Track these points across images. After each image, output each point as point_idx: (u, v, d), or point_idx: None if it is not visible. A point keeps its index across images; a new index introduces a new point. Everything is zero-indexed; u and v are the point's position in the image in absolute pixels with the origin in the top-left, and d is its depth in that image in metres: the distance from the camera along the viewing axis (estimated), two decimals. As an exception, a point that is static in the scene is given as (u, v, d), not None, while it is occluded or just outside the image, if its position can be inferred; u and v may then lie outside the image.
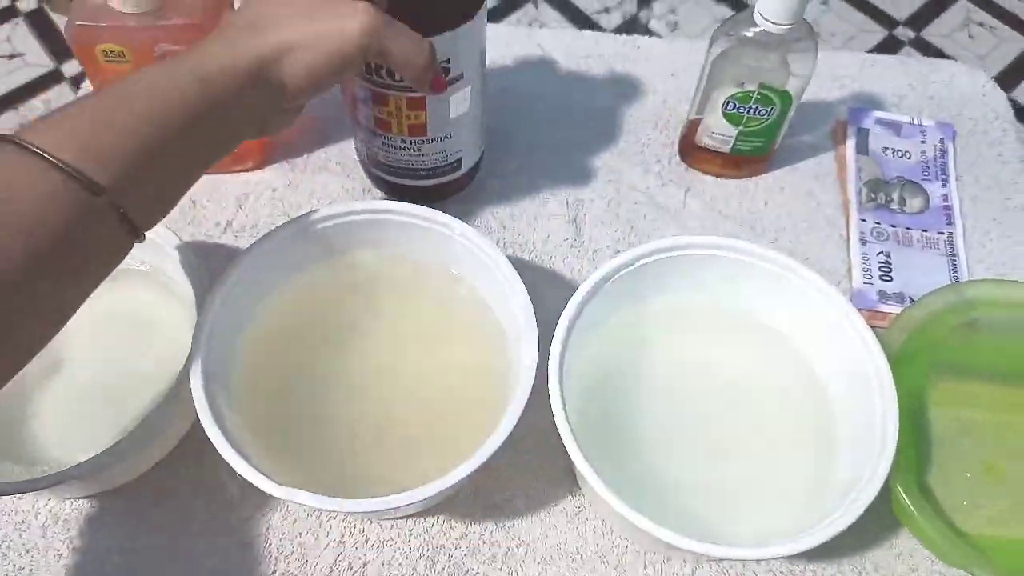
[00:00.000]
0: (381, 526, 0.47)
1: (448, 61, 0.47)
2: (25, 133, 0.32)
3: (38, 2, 1.51)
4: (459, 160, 0.55)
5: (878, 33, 1.47)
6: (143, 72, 0.35)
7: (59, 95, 1.39)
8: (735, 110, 0.55)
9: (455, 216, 0.46)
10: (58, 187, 0.31)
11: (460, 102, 0.50)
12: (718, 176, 0.62)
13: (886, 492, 0.42)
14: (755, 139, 0.58)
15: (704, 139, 0.59)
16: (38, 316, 0.33)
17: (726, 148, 0.59)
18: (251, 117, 0.39)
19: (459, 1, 0.46)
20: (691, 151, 0.61)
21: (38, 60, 1.43)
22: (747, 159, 0.60)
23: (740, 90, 0.54)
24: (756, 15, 0.50)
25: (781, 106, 0.55)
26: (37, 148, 0.31)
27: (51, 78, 1.41)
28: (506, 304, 0.45)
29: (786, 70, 0.53)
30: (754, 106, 0.55)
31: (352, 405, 0.45)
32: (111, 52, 0.49)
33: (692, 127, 0.59)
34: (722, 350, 0.49)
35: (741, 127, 0.56)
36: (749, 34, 0.51)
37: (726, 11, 1.52)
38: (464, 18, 0.46)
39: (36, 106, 1.38)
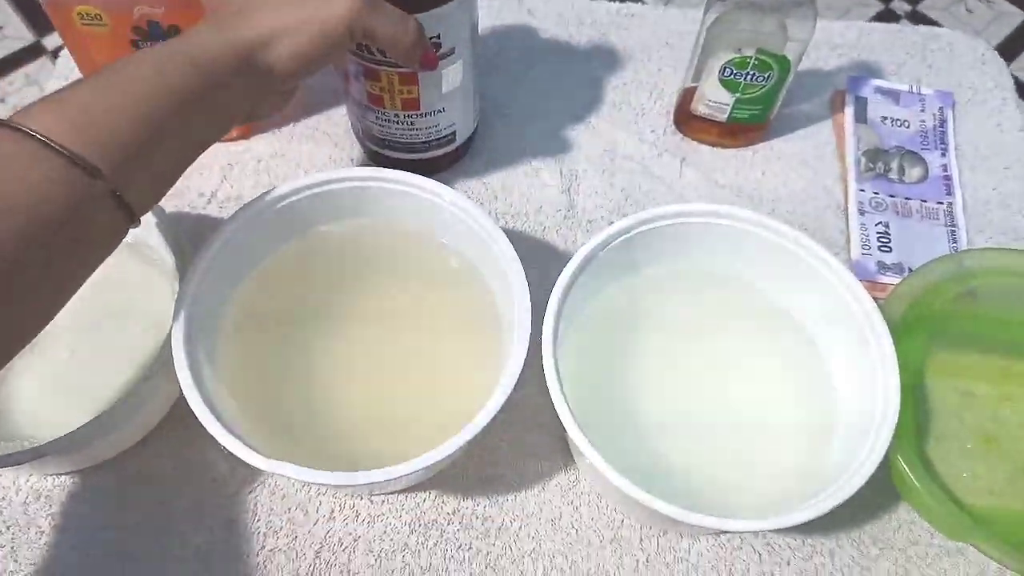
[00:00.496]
0: (372, 502, 0.46)
1: (439, 36, 0.46)
2: (22, 116, 0.31)
3: (18, -26, 1.48)
4: (453, 133, 0.54)
5: (874, 6, 1.45)
6: (136, 56, 0.35)
7: (40, 68, 1.36)
8: (732, 76, 0.54)
9: (447, 186, 0.45)
10: (57, 171, 0.31)
11: (452, 76, 0.49)
12: (714, 145, 0.60)
13: (884, 464, 0.41)
14: (752, 107, 0.56)
15: (700, 107, 0.58)
16: (31, 301, 0.32)
17: (722, 116, 0.57)
18: (243, 101, 0.39)
19: None
20: (687, 120, 0.60)
21: (18, 33, 1.40)
22: (744, 128, 0.59)
23: (737, 56, 0.52)
24: None
25: (779, 72, 0.53)
26: (36, 132, 0.31)
27: (32, 51, 1.38)
28: (498, 274, 0.44)
29: (784, 35, 0.51)
30: (751, 72, 0.53)
31: (341, 378, 0.44)
32: (88, 15, 0.48)
33: (687, 95, 0.58)
34: (720, 321, 0.48)
35: (738, 94, 0.55)
36: None
37: (720, -16, 1.50)
38: None
39: (16, 79, 1.35)
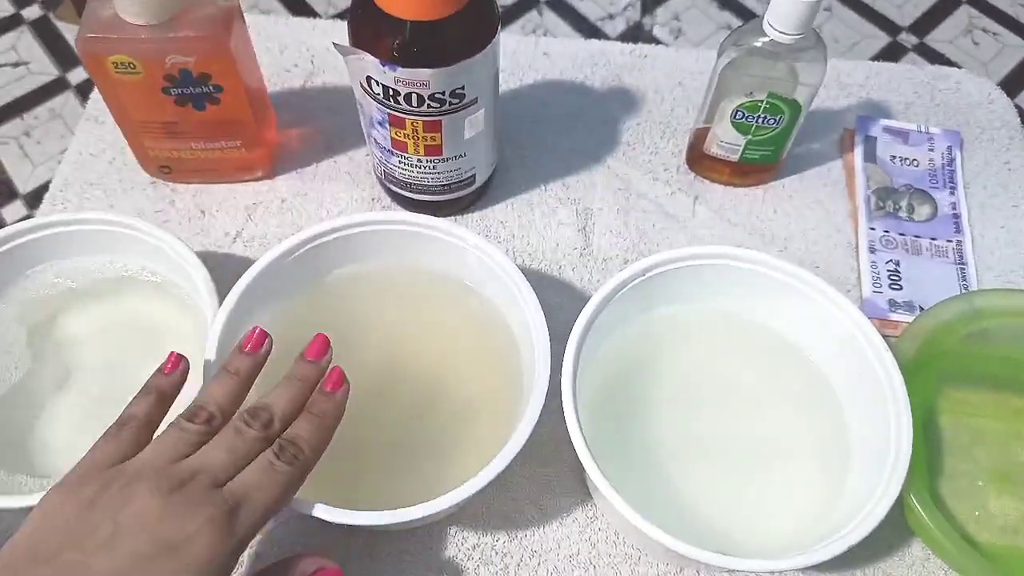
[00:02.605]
0: (390, 538, 0.47)
1: (463, 87, 0.47)
2: None
3: (43, 10, 1.52)
4: (473, 175, 0.56)
5: (881, 39, 1.47)
6: None
7: (64, 103, 1.39)
8: (744, 119, 0.55)
9: (466, 226, 0.46)
10: None
11: (475, 123, 0.51)
12: (726, 185, 0.62)
13: (898, 502, 0.42)
14: (764, 148, 0.58)
15: (713, 148, 0.59)
16: None
17: (735, 156, 0.59)
18: None
19: (475, 32, 0.46)
20: (699, 160, 0.61)
21: (43, 68, 1.44)
22: (756, 167, 0.60)
23: (749, 99, 0.54)
24: (765, 24, 0.50)
25: (790, 115, 0.55)
26: None
27: (56, 86, 1.42)
28: (519, 315, 0.45)
29: (795, 79, 0.53)
30: (763, 115, 0.55)
31: (366, 416, 0.45)
32: (122, 64, 0.49)
33: (700, 136, 0.59)
34: (734, 360, 0.49)
35: (750, 136, 0.57)
36: (758, 44, 0.51)
37: (730, 17, 1.53)
38: (479, 46, 0.46)
39: (41, 114, 1.38)
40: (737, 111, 0.55)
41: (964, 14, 1.50)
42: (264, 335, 0.40)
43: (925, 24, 1.49)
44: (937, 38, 1.47)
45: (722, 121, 0.56)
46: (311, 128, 0.64)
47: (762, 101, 0.54)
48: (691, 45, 1.50)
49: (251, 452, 0.36)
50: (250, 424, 0.36)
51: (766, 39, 0.51)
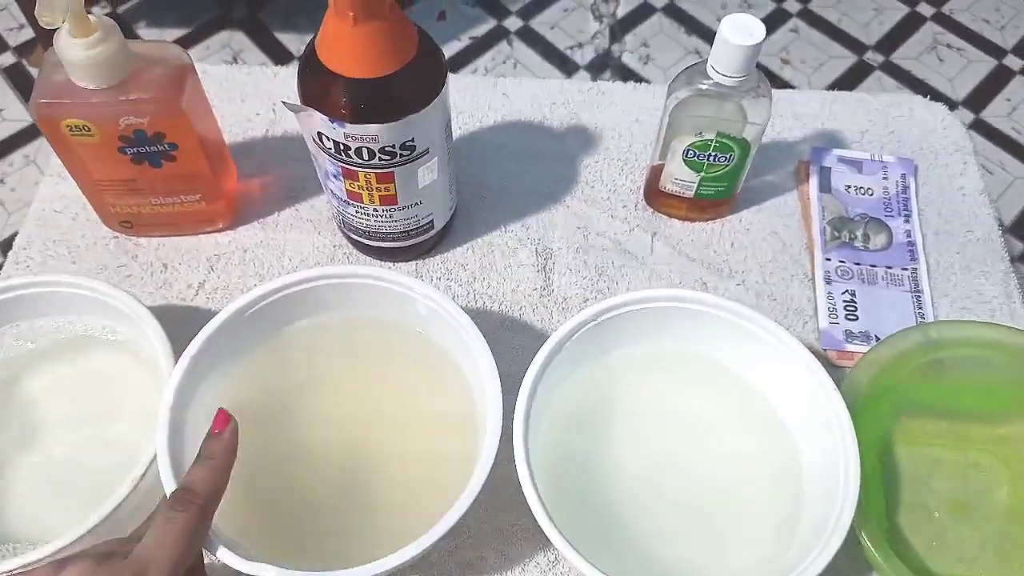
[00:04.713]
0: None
1: (413, 140, 0.48)
2: None
3: (16, 57, 1.52)
4: (431, 221, 0.56)
5: (848, 59, 1.49)
6: None
7: (38, 149, 1.39)
8: (695, 158, 0.56)
9: (428, 270, 0.46)
10: None
11: (427, 173, 0.51)
12: (683, 220, 0.63)
13: (855, 534, 0.43)
14: (717, 184, 0.58)
15: (668, 185, 0.60)
16: None
17: (690, 193, 0.60)
18: None
19: (422, 86, 0.47)
20: (657, 196, 0.62)
21: (17, 115, 1.44)
22: (712, 202, 0.61)
23: (699, 139, 0.55)
24: (709, 68, 0.51)
25: (740, 153, 0.56)
26: None
27: (30, 133, 1.42)
28: (472, 363, 0.46)
29: (742, 118, 0.54)
30: (713, 154, 0.56)
31: (320, 470, 0.46)
32: (76, 126, 0.50)
33: (655, 173, 0.60)
34: (688, 399, 0.50)
35: (703, 173, 0.57)
36: (703, 86, 0.52)
37: (698, 42, 1.55)
38: (427, 100, 0.47)
39: (15, 160, 1.38)
40: (688, 150, 0.56)
41: (929, 31, 1.53)
42: (226, 417, 0.41)
43: (890, 42, 1.51)
44: (903, 56, 1.49)
45: (675, 159, 0.57)
46: (273, 176, 0.65)
47: (712, 140, 0.55)
48: (660, 70, 1.51)
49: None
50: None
51: (711, 81, 0.52)
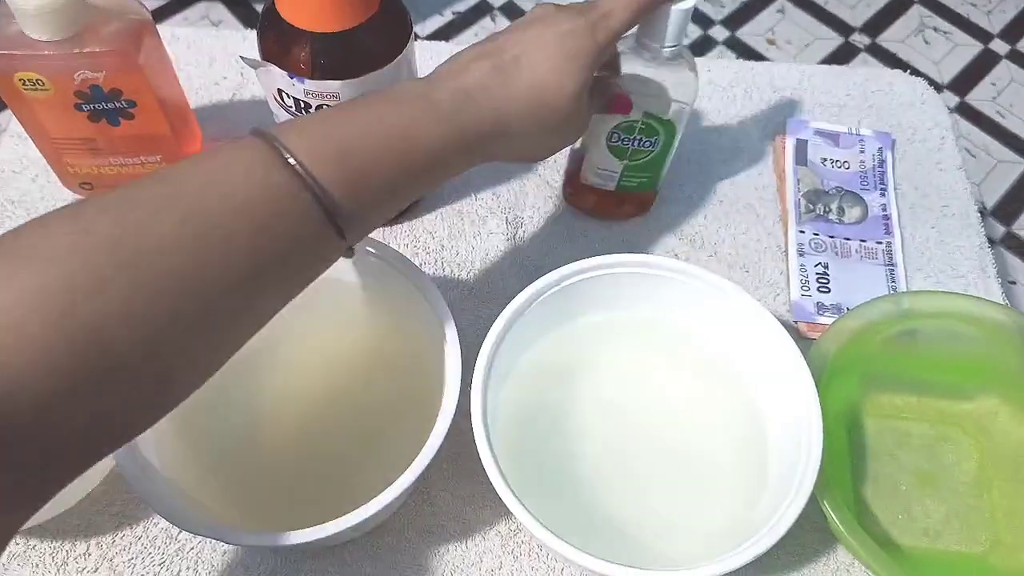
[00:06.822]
0: (314, 555, 0.47)
1: None
2: (283, 135, 0.31)
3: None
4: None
5: (834, 40, 1.48)
6: (398, 104, 0.35)
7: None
8: (620, 142, 0.53)
9: (395, 236, 0.45)
10: (302, 206, 0.31)
11: None
12: (603, 218, 0.60)
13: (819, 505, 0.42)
14: (641, 174, 0.56)
15: (590, 176, 0.56)
16: (243, 323, 0.32)
17: (612, 185, 0.56)
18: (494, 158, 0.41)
19: (384, 43, 0.46)
20: (577, 191, 0.59)
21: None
22: (632, 196, 0.58)
23: (624, 119, 0.52)
24: (635, 36, 0.49)
25: (665, 137, 0.52)
26: (294, 162, 0.30)
27: None
28: (434, 329, 0.44)
29: (668, 98, 0.51)
30: (638, 137, 0.53)
31: (278, 430, 0.45)
32: (29, 80, 0.49)
33: (577, 162, 0.57)
34: (655, 366, 0.49)
35: (626, 160, 0.55)
36: (623, 49, 0.49)
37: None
38: (389, 57, 0.46)
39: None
40: (613, 133, 0.53)
41: (916, 14, 1.52)
42: None
43: (877, 24, 1.50)
44: (889, 38, 1.48)
45: (597, 145, 0.54)
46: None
47: (637, 121, 0.52)
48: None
49: None
50: None
51: (633, 43, 0.49)
